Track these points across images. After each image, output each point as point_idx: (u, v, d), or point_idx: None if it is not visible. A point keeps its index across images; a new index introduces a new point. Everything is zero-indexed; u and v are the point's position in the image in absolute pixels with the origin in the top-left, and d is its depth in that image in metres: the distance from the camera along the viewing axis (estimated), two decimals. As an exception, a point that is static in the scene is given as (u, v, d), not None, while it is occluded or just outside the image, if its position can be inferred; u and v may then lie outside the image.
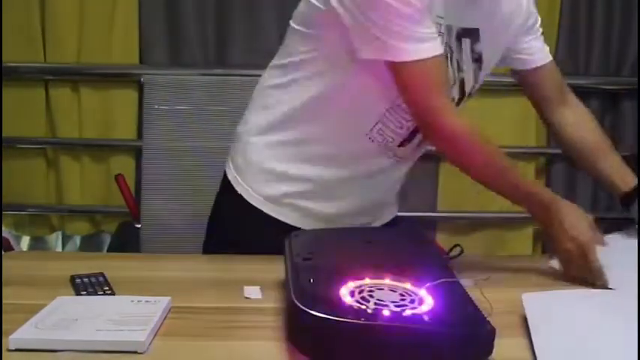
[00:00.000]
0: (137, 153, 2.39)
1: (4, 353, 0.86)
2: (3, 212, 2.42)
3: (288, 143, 1.28)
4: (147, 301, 1.01)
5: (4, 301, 1.01)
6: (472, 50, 1.25)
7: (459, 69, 1.25)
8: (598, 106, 2.53)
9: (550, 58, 1.40)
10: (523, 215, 2.53)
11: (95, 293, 1.09)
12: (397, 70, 1.12)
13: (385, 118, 1.24)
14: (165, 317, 0.99)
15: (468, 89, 1.29)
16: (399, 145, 1.28)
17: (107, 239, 2.50)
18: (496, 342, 0.93)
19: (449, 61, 1.22)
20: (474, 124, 1.17)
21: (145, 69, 2.35)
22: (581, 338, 0.92)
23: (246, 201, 1.31)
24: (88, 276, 1.16)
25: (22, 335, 0.89)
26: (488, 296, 1.05)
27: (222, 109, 1.82)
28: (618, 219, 2.57)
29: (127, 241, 2.10)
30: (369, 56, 1.13)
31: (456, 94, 1.27)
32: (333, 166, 1.29)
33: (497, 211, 2.54)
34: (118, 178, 2.09)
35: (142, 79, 1.88)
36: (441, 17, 1.17)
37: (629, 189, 1.33)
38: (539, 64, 1.38)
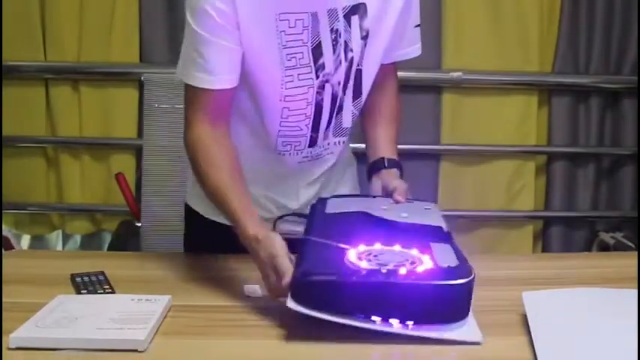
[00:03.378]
0: (137, 152, 2.39)
1: (5, 352, 0.86)
2: (3, 211, 2.42)
3: None
4: (147, 300, 1.02)
5: (4, 300, 1.01)
6: (360, 27, 1.23)
7: (347, 49, 1.23)
8: (598, 104, 2.52)
9: (405, 58, 1.34)
10: (523, 214, 2.57)
11: (95, 292, 1.10)
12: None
13: (282, 131, 1.25)
14: (166, 316, 1.00)
15: (354, 68, 1.25)
16: (309, 146, 1.29)
17: (107, 238, 2.50)
18: (497, 341, 0.93)
19: (333, 46, 1.21)
20: (217, 142, 1.17)
21: (145, 67, 2.34)
22: (581, 337, 0.92)
23: None
24: (89, 274, 1.16)
25: (22, 334, 0.89)
26: (488, 295, 1.06)
27: (222, 108, 1.82)
28: (618, 218, 2.59)
29: (127, 240, 2.10)
30: None
31: (341, 77, 1.24)
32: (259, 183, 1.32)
33: (497, 210, 2.54)
34: (119, 177, 2.09)
35: (142, 78, 1.88)
36: (298, 13, 1.17)
37: (377, 158, 1.31)
38: (399, 60, 1.34)
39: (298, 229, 1.18)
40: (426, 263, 0.96)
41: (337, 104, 1.27)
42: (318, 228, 1.10)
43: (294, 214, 1.29)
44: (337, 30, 1.21)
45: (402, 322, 0.91)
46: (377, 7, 1.22)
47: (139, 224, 1.80)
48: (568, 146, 2.54)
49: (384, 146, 1.33)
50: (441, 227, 1.12)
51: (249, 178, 1.23)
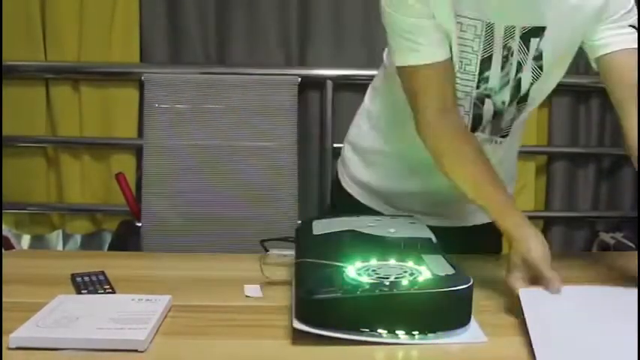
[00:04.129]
0: (137, 152, 2.39)
1: (5, 351, 0.86)
2: (3, 211, 2.42)
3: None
4: (147, 300, 1.02)
5: (4, 300, 1.01)
6: (536, 48, 1.19)
7: (519, 70, 1.21)
8: (599, 104, 2.52)
9: (626, 46, 1.16)
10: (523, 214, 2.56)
11: (96, 292, 1.10)
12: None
13: None
14: (166, 316, 1.00)
15: (524, 88, 1.23)
16: None
17: (108, 238, 2.50)
18: (497, 341, 0.93)
19: (503, 63, 1.19)
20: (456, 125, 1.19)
21: (145, 67, 2.34)
22: (579, 334, 0.92)
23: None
24: (89, 274, 1.16)
25: (22, 334, 0.89)
26: (488, 295, 1.06)
27: (222, 108, 1.82)
28: (618, 218, 2.59)
29: (127, 240, 2.10)
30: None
31: (506, 97, 1.23)
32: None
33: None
34: (119, 177, 2.09)
35: (142, 78, 1.88)
36: (475, 19, 1.15)
37: None
38: (607, 51, 1.18)
39: (287, 252, 1.18)
40: (424, 273, 0.98)
41: (491, 109, 1.25)
42: (310, 249, 1.10)
43: (281, 238, 1.28)
44: (510, 48, 1.18)
45: (408, 332, 0.92)
46: (555, 30, 1.17)
47: (139, 224, 1.80)
48: (568, 146, 2.54)
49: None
50: (430, 239, 1.14)
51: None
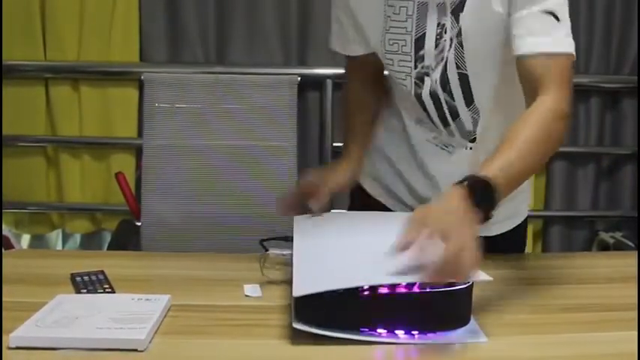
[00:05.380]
0: (137, 151, 2.39)
1: (5, 351, 0.86)
2: (3, 210, 2.42)
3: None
4: (147, 299, 1.02)
5: (4, 299, 1.01)
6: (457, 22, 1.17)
7: (451, 47, 1.19)
8: (598, 104, 2.52)
9: (530, 50, 1.11)
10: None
11: (95, 291, 1.10)
12: None
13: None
14: (165, 315, 1.00)
15: (450, 69, 1.20)
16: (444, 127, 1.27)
17: (107, 237, 2.50)
18: (498, 341, 0.93)
19: (437, 40, 1.19)
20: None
21: (145, 67, 2.34)
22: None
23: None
24: (88, 274, 1.16)
25: (22, 333, 0.89)
26: (489, 295, 1.06)
27: (222, 108, 1.82)
28: (618, 218, 2.59)
29: (127, 239, 2.10)
30: None
31: (438, 74, 1.21)
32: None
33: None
34: (119, 176, 2.09)
35: (142, 77, 1.88)
36: (403, 0, 1.19)
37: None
38: (518, 53, 1.13)
39: (287, 252, 1.17)
40: None
41: (442, 104, 1.24)
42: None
43: (281, 237, 1.26)
44: (444, 25, 1.18)
45: (408, 332, 0.91)
46: (474, 3, 1.15)
47: (139, 223, 1.80)
48: (568, 146, 2.54)
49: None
50: None
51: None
